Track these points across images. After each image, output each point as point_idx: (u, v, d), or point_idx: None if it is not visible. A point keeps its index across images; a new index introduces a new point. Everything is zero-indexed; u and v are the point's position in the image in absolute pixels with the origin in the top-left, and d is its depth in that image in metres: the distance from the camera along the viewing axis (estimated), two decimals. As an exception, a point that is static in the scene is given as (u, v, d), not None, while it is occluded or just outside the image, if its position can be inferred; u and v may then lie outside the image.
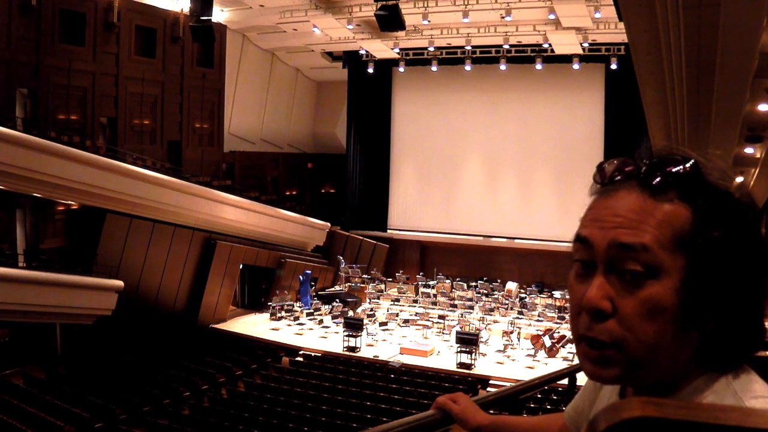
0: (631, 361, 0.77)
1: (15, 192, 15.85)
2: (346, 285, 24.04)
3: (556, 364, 16.43)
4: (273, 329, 20.11)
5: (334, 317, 20.75)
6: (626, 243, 0.76)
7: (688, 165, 0.78)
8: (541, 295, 22.04)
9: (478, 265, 25.33)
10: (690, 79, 6.06)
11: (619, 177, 0.82)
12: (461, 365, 16.77)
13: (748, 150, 9.65)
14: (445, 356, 17.72)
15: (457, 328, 18.75)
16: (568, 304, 0.86)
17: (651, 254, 0.75)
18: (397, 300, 22.39)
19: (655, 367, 0.78)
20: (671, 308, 0.75)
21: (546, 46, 22.62)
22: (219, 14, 22.10)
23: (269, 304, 21.70)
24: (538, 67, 23.67)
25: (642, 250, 0.75)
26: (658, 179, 0.78)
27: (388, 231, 27.24)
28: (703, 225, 0.75)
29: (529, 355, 17.63)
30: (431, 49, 24.12)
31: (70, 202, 17.51)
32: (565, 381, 2.92)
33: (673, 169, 0.78)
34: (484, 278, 24.10)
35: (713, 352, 0.78)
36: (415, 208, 27.01)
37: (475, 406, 1.40)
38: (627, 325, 0.76)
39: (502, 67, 24.09)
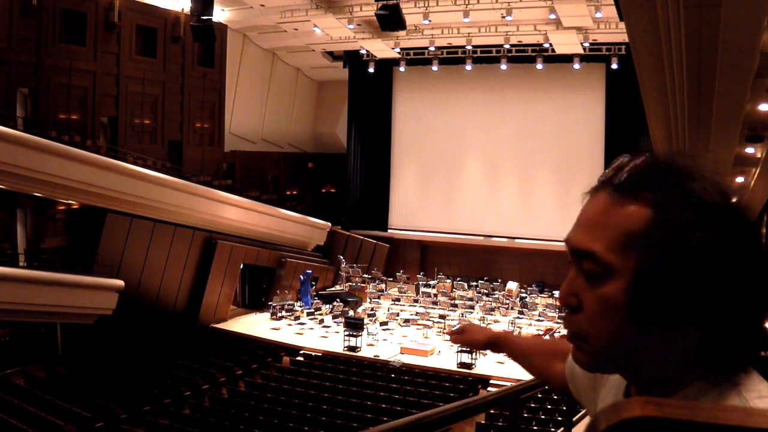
0: (595, 352, 0.82)
1: (16, 191, 15.87)
2: (347, 285, 24.05)
3: (557, 364, 16.41)
4: (273, 329, 20.12)
5: (334, 317, 20.76)
6: (580, 248, 0.81)
7: (650, 165, 0.79)
8: (542, 295, 22.04)
9: (478, 264, 25.32)
10: (691, 78, 6.06)
11: (602, 177, 0.84)
12: (462, 365, 16.78)
13: (749, 150, 9.63)
14: (445, 356, 17.72)
15: (458, 328, 18.73)
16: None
17: (600, 258, 0.78)
18: (398, 299, 22.39)
19: (630, 363, 0.81)
20: (622, 306, 0.77)
21: (547, 45, 22.59)
22: (220, 14, 22.10)
23: (270, 303, 21.72)
24: (539, 66, 23.66)
25: (591, 256, 0.79)
26: (622, 180, 0.80)
27: (389, 231, 27.21)
28: (656, 225, 0.75)
29: (529, 355, 17.62)
30: (432, 48, 24.11)
31: (70, 201, 17.53)
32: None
33: (636, 170, 0.80)
34: (485, 278, 24.09)
35: (713, 351, 0.77)
36: (416, 208, 26.99)
37: (480, 326, 1.66)
38: (589, 320, 0.81)
39: (503, 66, 24.08)
